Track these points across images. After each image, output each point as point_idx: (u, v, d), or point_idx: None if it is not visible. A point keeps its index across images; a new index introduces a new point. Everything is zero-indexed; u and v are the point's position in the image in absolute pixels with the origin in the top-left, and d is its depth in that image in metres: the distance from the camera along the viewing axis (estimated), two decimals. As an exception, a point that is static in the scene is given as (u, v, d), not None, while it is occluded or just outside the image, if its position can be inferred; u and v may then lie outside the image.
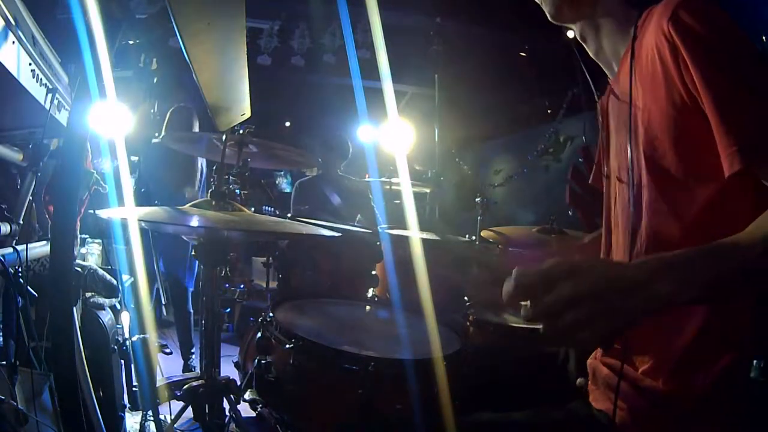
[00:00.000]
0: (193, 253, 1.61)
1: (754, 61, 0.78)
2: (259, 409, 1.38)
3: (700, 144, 0.80)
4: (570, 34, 1.09)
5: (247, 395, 1.37)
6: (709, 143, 0.78)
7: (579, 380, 1.08)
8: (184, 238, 2.26)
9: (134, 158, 3.06)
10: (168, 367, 3.32)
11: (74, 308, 1.40)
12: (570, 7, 1.02)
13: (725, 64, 0.77)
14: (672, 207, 0.86)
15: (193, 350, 3.38)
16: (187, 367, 3.34)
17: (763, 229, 0.69)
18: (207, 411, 1.61)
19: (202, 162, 3.49)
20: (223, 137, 1.85)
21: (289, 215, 2.71)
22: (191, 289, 3.44)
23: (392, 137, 3.26)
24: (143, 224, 1.62)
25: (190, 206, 1.58)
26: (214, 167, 1.86)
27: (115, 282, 1.90)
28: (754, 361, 0.83)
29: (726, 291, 0.70)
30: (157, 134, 3.17)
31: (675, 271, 0.67)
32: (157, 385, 1.93)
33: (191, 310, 3.43)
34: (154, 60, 2.95)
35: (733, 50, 0.78)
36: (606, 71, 1.07)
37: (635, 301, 0.65)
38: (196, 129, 3.46)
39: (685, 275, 0.66)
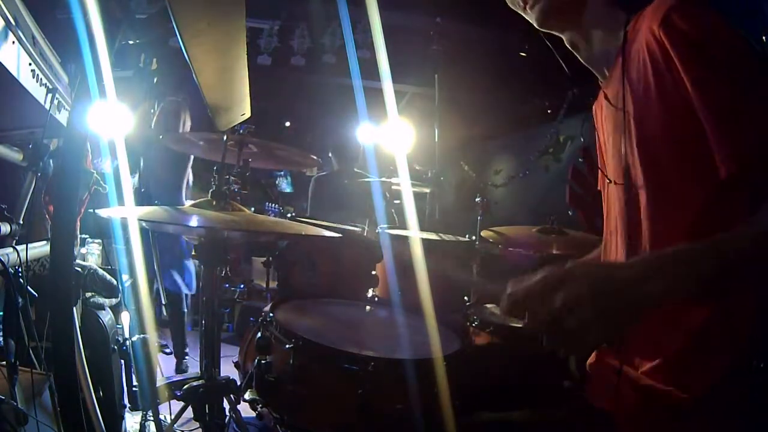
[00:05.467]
0: (193, 253, 1.61)
1: (747, 62, 0.77)
2: (259, 409, 1.38)
3: (695, 146, 0.80)
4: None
5: (247, 395, 1.37)
6: (703, 145, 0.78)
7: (566, 382, 1.09)
8: (186, 238, 2.26)
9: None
10: (168, 367, 3.33)
11: (74, 308, 1.40)
12: (557, 16, 1.01)
13: (717, 67, 0.76)
14: (670, 210, 0.86)
15: (186, 350, 3.38)
16: (180, 369, 3.33)
17: (757, 224, 0.69)
18: (207, 411, 1.61)
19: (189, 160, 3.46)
20: (224, 137, 1.85)
21: (289, 215, 2.71)
22: (187, 293, 3.44)
23: (392, 137, 3.26)
24: (143, 224, 1.62)
25: (190, 206, 1.58)
26: (215, 167, 1.86)
27: (115, 282, 1.89)
28: (754, 362, 0.83)
29: (719, 285, 0.70)
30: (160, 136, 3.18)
31: (667, 267, 0.67)
32: (157, 385, 1.93)
33: (185, 310, 3.44)
34: (154, 60, 2.95)
35: (725, 53, 0.77)
36: (598, 76, 1.07)
37: (629, 300, 0.66)
38: (188, 124, 3.46)
39: (678, 271, 0.67)
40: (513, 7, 1.06)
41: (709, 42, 0.78)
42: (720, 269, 0.68)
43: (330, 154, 3.57)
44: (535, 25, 1.03)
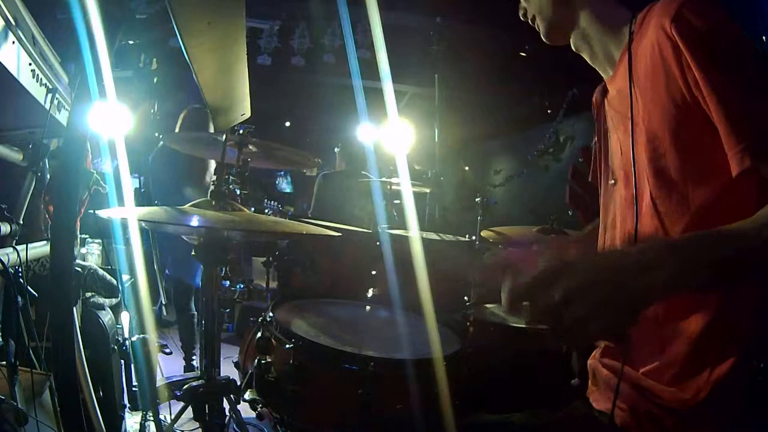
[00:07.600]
0: (193, 253, 1.61)
1: (757, 61, 0.78)
2: (259, 409, 1.38)
3: (702, 143, 0.80)
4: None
5: (247, 395, 1.37)
6: (711, 142, 0.78)
7: (573, 381, 1.08)
8: (185, 239, 2.25)
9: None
10: (168, 367, 3.32)
11: (74, 308, 1.39)
12: (560, 31, 1.05)
13: (729, 64, 0.76)
14: (674, 207, 0.86)
15: (195, 350, 3.38)
16: (190, 367, 3.34)
17: None
18: (207, 411, 1.60)
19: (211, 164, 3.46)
20: (223, 137, 1.85)
21: (290, 215, 2.71)
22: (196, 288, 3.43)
23: (392, 137, 3.26)
24: (143, 224, 1.62)
25: (190, 206, 1.58)
26: (215, 168, 1.87)
27: (115, 282, 1.89)
28: (754, 362, 0.83)
29: (731, 274, 0.68)
30: (157, 134, 3.17)
31: (679, 253, 0.65)
32: (157, 385, 1.93)
33: (195, 312, 3.43)
34: (154, 60, 2.95)
35: (736, 50, 0.78)
36: (602, 74, 1.07)
37: (637, 286, 0.63)
38: (212, 131, 3.44)
39: (690, 257, 0.65)
40: (523, 19, 1.09)
41: (721, 38, 0.78)
42: (738, 256, 0.66)
43: (336, 150, 3.57)
44: (544, 40, 1.08)
